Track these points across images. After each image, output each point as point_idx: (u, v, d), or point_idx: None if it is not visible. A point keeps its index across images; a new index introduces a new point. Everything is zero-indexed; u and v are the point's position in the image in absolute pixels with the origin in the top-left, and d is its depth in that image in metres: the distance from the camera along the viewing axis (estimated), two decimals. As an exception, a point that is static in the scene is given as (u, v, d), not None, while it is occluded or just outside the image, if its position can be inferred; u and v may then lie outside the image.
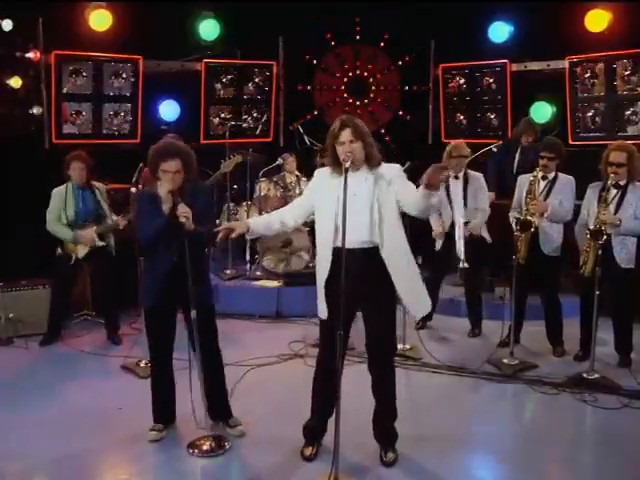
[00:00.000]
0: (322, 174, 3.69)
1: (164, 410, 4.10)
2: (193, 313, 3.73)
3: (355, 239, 3.42)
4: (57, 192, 5.66)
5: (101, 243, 5.67)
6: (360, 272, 3.46)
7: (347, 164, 3.36)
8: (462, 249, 5.56)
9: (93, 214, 5.69)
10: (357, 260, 3.44)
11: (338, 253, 3.46)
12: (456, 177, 5.82)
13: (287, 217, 3.75)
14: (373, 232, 3.48)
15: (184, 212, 3.65)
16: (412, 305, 3.66)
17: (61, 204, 5.62)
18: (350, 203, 3.33)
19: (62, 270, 5.70)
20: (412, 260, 3.65)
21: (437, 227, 5.84)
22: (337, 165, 3.53)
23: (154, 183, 3.84)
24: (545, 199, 5.26)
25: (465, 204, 5.74)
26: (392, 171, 3.57)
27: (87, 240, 5.61)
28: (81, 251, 5.66)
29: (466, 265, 5.57)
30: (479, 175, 5.90)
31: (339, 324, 3.37)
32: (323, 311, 3.63)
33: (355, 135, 3.47)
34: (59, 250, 5.69)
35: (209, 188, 4.19)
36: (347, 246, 3.35)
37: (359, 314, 3.71)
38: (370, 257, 3.50)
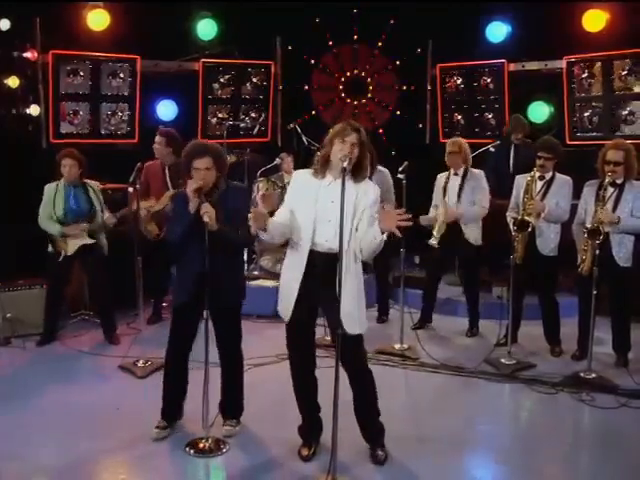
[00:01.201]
0: (301, 175, 3.69)
1: (171, 408, 4.11)
2: (205, 313, 3.76)
3: (324, 243, 3.52)
4: (47, 188, 5.66)
5: (90, 240, 5.63)
6: (324, 276, 3.51)
7: (345, 163, 3.36)
8: (438, 228, 5.66)
9: (85, 212, 5.65)
10: (325, 264, 3.51)
11: (313, 256, 3.54)
12: (455, 174, 5.85)
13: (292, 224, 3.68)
14: (337, 240, 3.43)
15: (206, 211, 3.67)
16: (348, 320, 3.48)
17: (50, 201, 5.61)
18: (327, 208, 3.44)
19: (53, 268, 5.69)
20: (362, 280, 3.65)
21: (425, 220, 5.88)
22: (325, 165, 3.56)
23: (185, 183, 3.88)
24: (542, 199, 5.27)
25: (459, 198, 5.78)
26: (371, 194, 3.56)
27: (74, 233, 5.57)
28: (70, 248, 5.60)
29: (434, 242, 5.63)
30: (480, 173, 5.90)
31: (309, 325, 3.62)
32: (287, 311, 3.65)
33: (359, 142, 3.50)
34: (50, 247, 5.67)
35: (246, 189, 4.21)
36: (319, 249, 3.50)
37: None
38: (332, 263, 3.48)
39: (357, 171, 3.52)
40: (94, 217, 5.68)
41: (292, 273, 3.65)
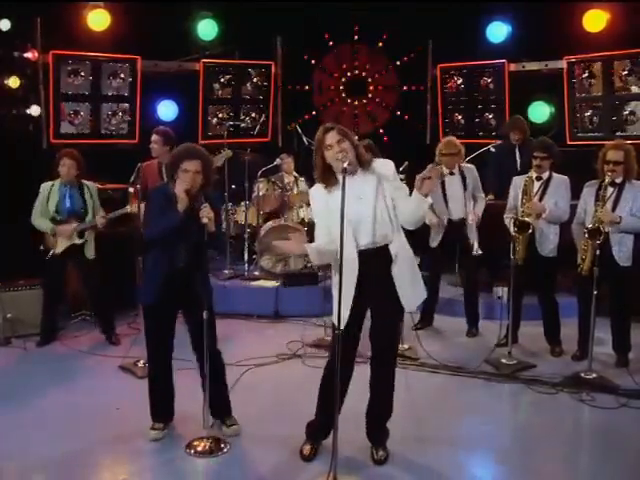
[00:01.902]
0: (318, 192, 3.63)
1: (160, 409, 4.09)
2: (205, 314, 3.75)
3: (369, 241, 3.48)
4: (44, 187, 5.67)
5: (79, 240, 5.60)
6: (376, 272, 3.50)
7: (345, 164, 3.31)
8: (475, 236, 5.68)
9: (76, 212, 5.64)
10: (372, 260, 3.49)
11: (362, 256, 3.50)
12: (451, 173, 5.87)
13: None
14: (382, 231, 3.50)
15: (208, 214, 3.68)
16: (408, 297, 3.58)
17: (45, 199, 5.63)
18: (357, 206, 3.38)
19: (46, 267, 5.69)
20: (411, 251, 3.67)
21: (432, 217, 5.82)
22: (328, 176, 3.54)
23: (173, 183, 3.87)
24: (540, 200, 5.28)
25: (465, 198, 5.85)
26: (386, 168, 3.56)
27: (64, 234, 5.57)
28: (59, 247, 5.61)
29: (480, 252, 5.65)
30: (472, 166, 5.99)
31: (353, 327, 3.49)
32: (344, 319, 3.47)
33: (341, 134, 3.47)
34: (42, 246, 5.69)
35: (221, 194, 4.26)
36: (362, 248, 3.47)
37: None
38: (381, 256, 3.53)
39: (360, 160, 3.50)
40: (85, 217, 5.66)
41: (346, 280, 3.49)
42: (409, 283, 3.60)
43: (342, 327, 3.49)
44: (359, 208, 3.46)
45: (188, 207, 3.75)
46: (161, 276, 3.85)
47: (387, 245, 3.55)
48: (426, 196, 3.36)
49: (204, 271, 3.98)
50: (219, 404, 4.07)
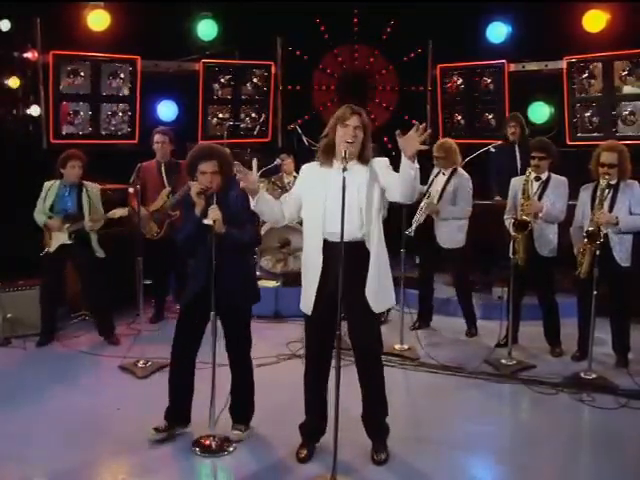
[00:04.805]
0: (310, 167, 3.70)
1: (175, 411, 4.04)
2: (212, 314, 3.75)
3: (337, 231, 3.37)
4: (46, 185, 5.69)
5: (68, 241, 5.59)
6: (347, 266, 3.39)
7: (348, 150, 3.35)
8: (417, 218, 5.70)
9: (72, 213, 5.63)
10: (346, 254, 3.37)
11: (327, 246, 3.50)
12: (443, 173, 5.86)
13: (285, 210, 3.72)
14: (362, 226, 3.50)
15: (212, 215, 3.68)
16: (375, 300, 3.57)
17: (43, 198, 5.65)
18: (339, 195, 3.31)
19: (43, 265, 5.70)
20: (387, 255, 3.67)
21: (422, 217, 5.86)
22: (329, 153, 3.56)
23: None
24: (539, 200, 5.27)
25: (440, 198, 5.79)
26: (381, 164, 3.60)
27: (54, 229, 5.57)
28: (53, 245, 5.61)
29: (412, 233, 5.63)
30: (466, 176, 5.89)
31: (329, 321, 3.44)
32: (309, 307, 3.59)
33: (362, 123, 3.52)
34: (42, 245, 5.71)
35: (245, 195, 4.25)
36: (337, 239, 3.37)
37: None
38: (356, 251, 3.49)
39: (361, 154, 3.52)
40: (78, 219, 5.62)
41: (309, 266, 3.60)
42: (379, 284, 3.57)
43: (308, 313, 3.57)
44: (339, 199, 3.36)
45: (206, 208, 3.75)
46: (199, 278, 3.84)
47: (362, 242, 3.52)
48: (413, 160, 3.30)
49: (240, 271, 3.93)
50: (246, 408, 4.08)
